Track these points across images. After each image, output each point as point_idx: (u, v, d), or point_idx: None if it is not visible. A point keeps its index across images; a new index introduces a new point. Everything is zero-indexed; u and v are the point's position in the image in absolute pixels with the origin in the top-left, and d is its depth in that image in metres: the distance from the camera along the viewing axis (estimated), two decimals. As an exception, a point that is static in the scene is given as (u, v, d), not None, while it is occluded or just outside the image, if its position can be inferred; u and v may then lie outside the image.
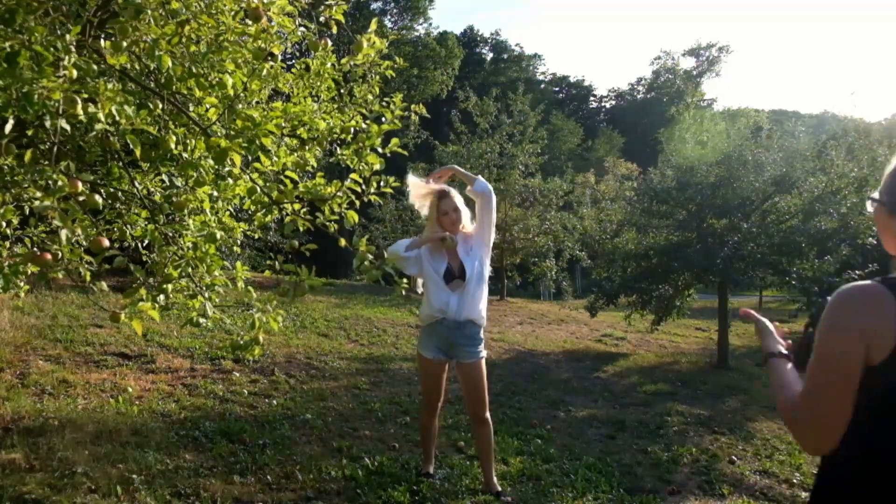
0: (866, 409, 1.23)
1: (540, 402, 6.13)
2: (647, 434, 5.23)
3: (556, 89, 50.66)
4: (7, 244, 2.86)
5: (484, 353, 3.54)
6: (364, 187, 2.62)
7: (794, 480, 4.34)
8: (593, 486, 3.84)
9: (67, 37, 1.95)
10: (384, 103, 2.86)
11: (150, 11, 2.16)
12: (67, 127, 2.03)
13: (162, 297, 2.74)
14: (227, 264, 3.09)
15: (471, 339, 3.48)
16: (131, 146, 2.15)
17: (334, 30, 2.71)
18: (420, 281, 3.60)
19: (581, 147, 39.95)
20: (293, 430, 4.39)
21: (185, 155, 2.52)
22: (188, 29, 2.31)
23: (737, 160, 8.90)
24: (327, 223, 2.65)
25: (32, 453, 3.49)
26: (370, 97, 2.88)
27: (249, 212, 3.04)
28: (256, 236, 3.63)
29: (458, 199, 3.62)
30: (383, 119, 2.81)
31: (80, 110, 1.91)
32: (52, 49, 1.91)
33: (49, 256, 2.17)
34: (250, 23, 2.40)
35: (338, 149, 2.87)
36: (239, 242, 3.42)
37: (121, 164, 2.69)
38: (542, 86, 47.53)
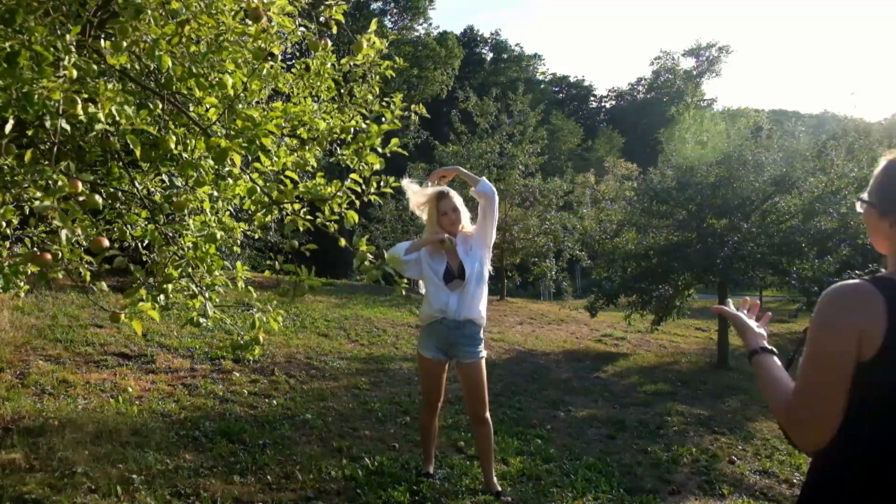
0: (858, 406, 1.25)
1: (540, 402, 6.13)
2: (647, 434, 5.23)
3: (556, 89, 50.63)
4: (7, 244, 2.86)
5: (484, 353, 3.54)
6: (364, 187, 2.62)
7: (794, 480, 4.34)
8: (593, 486, 3.84)
9: (67, 37, 1.95)
10: (384, 103, 2.86)
11: (150, 11, 2.16)
12: (67, 127, 2.03)
13: (162, 297, 2.74)
14: (227, 264, 3.09)
15: (470, 338, 3.48)
16: (131, 146, 2.15)
17: (334, 30, 2.71)
18: (422, 281, 3.61)
19: (581, 147, 39.93)
20: (293, 430, 4.39)
21: (185, 155, 2.52)
22: (188, 29, 2.31)
23: (737, 160, 8.90)
24: (327, 223, 2.65)
25: (32, 453, 3.49)
26: (370, 97, 2.88)
27: (249, 212, 3.03)
28: (256, 236, 3.64)
29: (458, 200, 3.62)
30: (383, 119, 2.81)
31: (80, 110, 1.91)
32: (52, 49, 1.91)
33: (49, 256, 2.17)
34: (250, 23, 2.40)
35: (338, 149, 2.87)
36: (239, 242, 3.42)
37: (121, 164, 2.69)
38: (542, 86, 47.49)
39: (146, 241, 2.92)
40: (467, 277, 3.47)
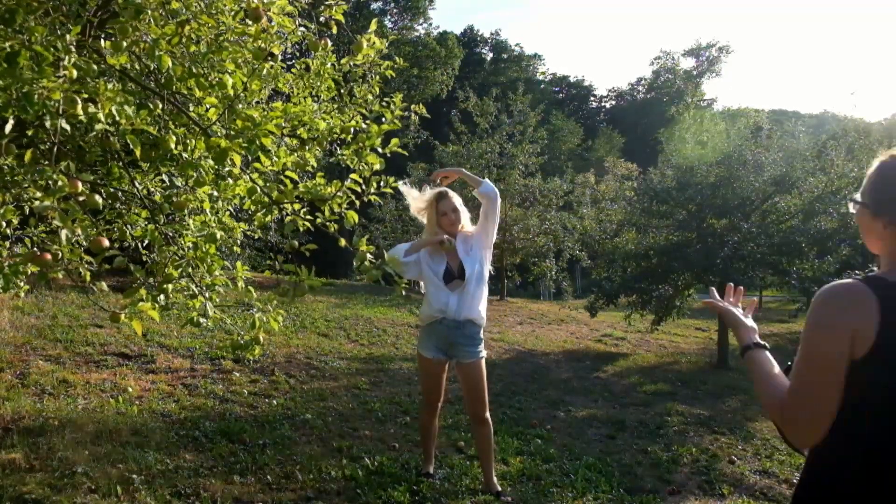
0: (857, 405, 1.26)
1: (540, 402, 6.13)
2: (647, 434, 5.23)
3: (556, 89, 50.62)
4: (7, 244, 2.86)
5: (484, 353, 3.54)
6: (364, 187, 2.62)
7: (794, 480, 4.33)
8: (593, 486, 3.84)
9: (67, 37, 1.95)
10: (384, 103, 2.86)
11: (150, 11, 2.16)
12: (67, 127, 2.03)
13: (162, 297, 2.73)
14: (227, 264, 3.09)
15: (470, 338, 3.49)
16: (131, 146, 2.15)
17: (334, 30, 2.71)
18: (422, 281, 3.61)
19: (581, 147, 39.92)
20: (293, 430, 4.39)
21: (185, 155, 2.52)
22: (188, 29, 2.31)
23: (737, 160, 8.90)
24: (327, 223, 2.65)
25: (32, 453, 3.49)
26: (370, 97, 2.88)
27: (249, 212, 3.03)
28: (256, 236, 3.64)
29: (457, 200, 3.63)
30: (383, 119, 2.81)
31: (80, 110, 1.91)
32: (52, 49, 1.91)
33: (49, 256, 2.17)
34: (250, 23, 2.40)
35: (338, 149, 2.87)
36: (239, 242, 3.42)
37: (121, 164, 2.69)
38: (542, 86, 47.48)
39: (146, 241, 2.92)
40: (467, 278, 3.47)
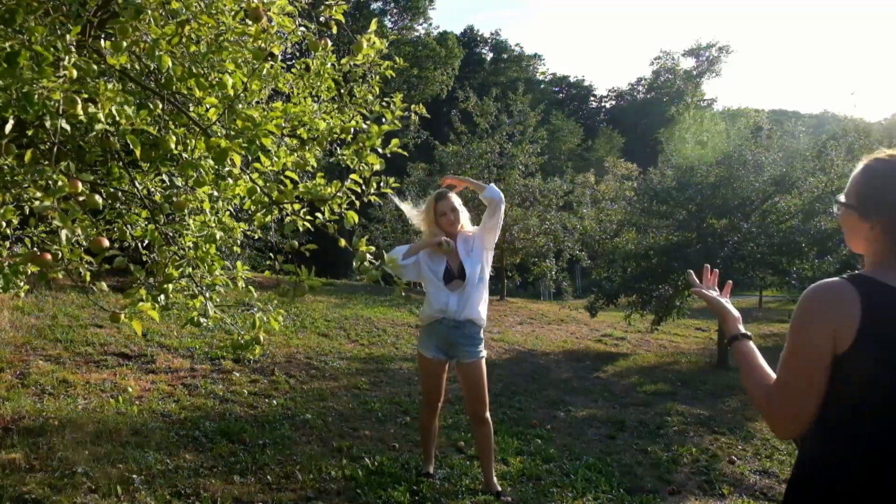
0: (853, 404, 1.30)
1: (540, 402, 6.13)
2: (647, 434, 5.23)
3: (556, 89, 50.61)
4: (7, 244, 2.85)
5: (484, 353, 3.54)
6: (364, 188, 2.62)
7: (794, 480, 4.33)
8: (593, 486, 3.84)
9: (67, 37, 1.95)
10: (384, 103, 2.86)
11: (150, 11, 2.16)
12: (67, 127, 2.03)
13: (162, 297, 2.73)
14: (227, 264, 3.09)
15: (470, 338, 3.49)
16: (131, 146, 2.15)
17: (334, 30, 2.71)
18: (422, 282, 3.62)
19: (581, 147, 39.91)
20: (293, 430, 4.39)
21: (185, 155, 2.52)
22: (188, 29, 2.31)
23: (737, 160, 8.90)
24: (327, 223, 2.65)
25: (32, 453, 3.49)
26: (370, 97, 2.88)
27: (249, 212, 3.03)
28: (256, 236, 3.63)
29: (456, 200, 3.63)
30: (384, 120, 2.81)
31: (80, 110, 1.91)
32: (52, 49, 1.91)
33: (49, 256, 2.17)
34: (250, 23, 2.40)
35: (338, 149, 2.87)
36: (239, 242, 3.42)
37: (121, 164, 2.69)
38: (542, 86, 47.48)
39: (146, 241, 2.92)
40: (468, 278, 3.47)
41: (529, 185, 15.76)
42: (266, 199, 2.65)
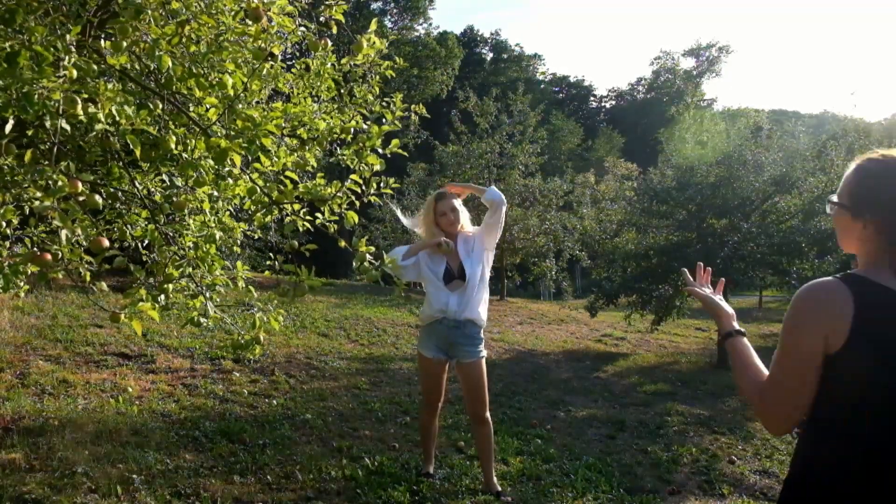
0: (853, 404, 1.31)
1: (540, 402, 6.13)
2: (647, 434, 5.23)
3: (556, 89, 50.61)
4: (7, 244, 2.85)
5: (484, 353, 3.54)
6: (364, 188, 2.62)
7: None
8: (593, 486, 3.84)
9: (67, 37, 1.95)
10: (384, 104, 2.86)
11: (150, 11, 2.16)
12: (67, 127, 2.03)
13: (162, 297, 2.73)
14: (227, 264, 3.09)
15: (470, 338, 3.49)
16: (131, 146, 2.15)
17: (334, 30, 2.71)
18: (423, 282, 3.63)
19: (581, 147, 39.91)
20: (293, 430, 4.39)
21: (185, 155, 2.52)
22: (188, 29, 2.31)
23: (737, 160, 8.90)
24: (327, 224, 2.65)
25: (32, 453, 3.49)
26: (370, 97, 2.88)
27: (249, 212, 3.03)
28: (256, 236, 3.63)
29: (456, 200, 3.63)
30: (384, 120, 2.81)
31: (80, 110, 1.91)
32: (52, 49, 1.91)
33: (49, 256, 2.17)
34: (250, 23, 2.40)
35: (338, 149, 2.87)
36: (239, 242, 3.42)
37: (121, 164, 2.69)
38: (542, 86, 47.48)
39: (146, 241, 2.92)
40: (468, 278, 3.47)
41: (529, 185, 15.76)
42: (266, 199, 2.65)
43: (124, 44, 2.14)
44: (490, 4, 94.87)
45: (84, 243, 2.28)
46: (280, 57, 2.66)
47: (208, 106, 2.51)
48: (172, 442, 3.92)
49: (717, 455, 4.76)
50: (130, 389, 4.87)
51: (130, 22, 2.10)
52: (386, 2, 34.97)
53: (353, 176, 2.62)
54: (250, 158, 2.70)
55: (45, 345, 5.85)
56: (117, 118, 2.06)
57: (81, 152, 2.59)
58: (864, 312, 1.28)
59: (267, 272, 3.03)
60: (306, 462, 3.79)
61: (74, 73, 1.93)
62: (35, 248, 2.50)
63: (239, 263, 3.06)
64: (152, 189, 2.86)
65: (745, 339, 1.55)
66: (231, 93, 2.41)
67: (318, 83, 2.92)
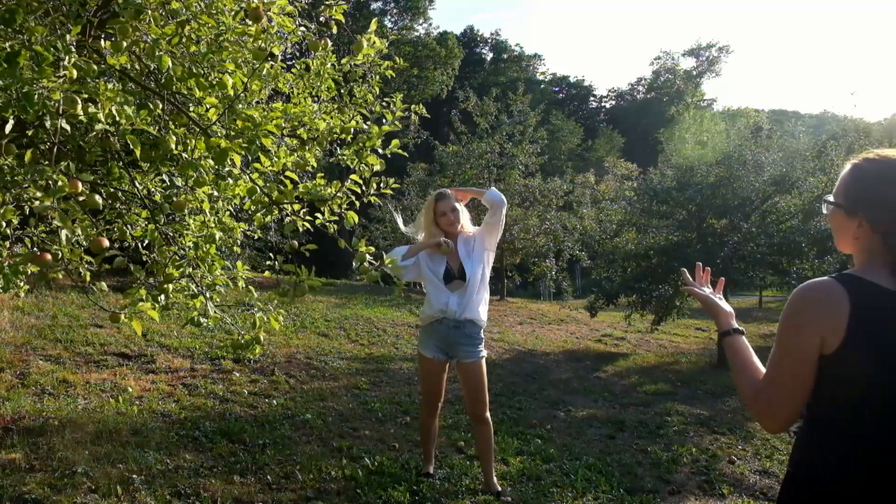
0: (852, 403, 1.31)
1: (540, 402, 6.13)
2: (647, 434, 5.23)
3: (556, 89, 50.61)
4: (7, 244, 2.85)
5: (484, 353, 3.54)
6: (364, 188, 2.62)
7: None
8: (593, 486, 3.84)
9: (67, 37, 1.95)
10: (385, 104, 2.86)
11: (150, 11, 2.16)
12: (67, 127, 2.03)
13: (162, 297, 2.73)
14: (227, 264, 3.09)
15: (471, 338, 3.49)
16: (131, 146, 2.15)
17: (334, 30, 2.71)
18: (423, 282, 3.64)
19: (581, 147, 39.91)
20: (293, 430, 4.39)
21: (185, 155, 2.52)
22: (188, 29, 2.31)
23: (737, 160, 8.90)
24: (327, 224, 2.65)
25: (32, 453, 3.49)
26: (370, 97, 2.88)
27: (249, 212, 3.03)
28: (256, 236, 3.63)
29: (457, 200, 3.64)
30: (384, 120, 2.81)
31: (80, 110, 1.91)
32: (52, 49, 1.91)
33: (49, 256, 2.17)
34: (250, 23, 2.40)
35: (338, 149, 2.87)
36: (239, 242, 3.42)
37: (121, 164, 2.69)
38: (542, 86, 47.48)
39: (146, 241, 2.92)
40: (468, 278, 3.47)
41: (529, 185, 15.76)
42: (266, 199, 2.65)
43: (124, 44, 2.14)
44: (490, 4, 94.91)
45: (84, 243, 2.29)
46: (280, 57, 2.66)
47: (208, 106, 2.51)
48: (172, 442, 3.92)
49: (717, 455, 4.76)
50: (130, 389, 4.87)
51: (130, 22, 2.10)
52: (386, 2, 34.99)
53: (353, 176, 2.62)
54: (250, 158, 2.70)
55: (45, 345, 5.85)
56: (117, 118, 2.06)
57: (81, 152, 2.59)
58: (860, 312, 1.28)
59: (267, 272, 3.03)
60: (306, 462, 3.79)
61: (74, 73, 1.94)
62: (35, 248, 2.50)
63: (239, 263, 3.06)
64: (152, 189, 2.86)
65: (744, 338, 1.55)
66: (231, 93, 2.41)
67: (318, 83, 2.92)
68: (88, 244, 2.21)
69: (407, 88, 29.19)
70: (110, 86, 2.07)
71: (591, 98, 53.40)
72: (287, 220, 2.61)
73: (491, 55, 45.79)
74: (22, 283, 2.87)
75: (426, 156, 18.57)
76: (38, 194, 1.97)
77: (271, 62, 2.58)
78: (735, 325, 1.60)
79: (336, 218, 2.66)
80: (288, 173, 2.75)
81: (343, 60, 2.84)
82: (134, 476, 3.32)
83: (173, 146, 2.35)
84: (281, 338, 7.42)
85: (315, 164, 2.90)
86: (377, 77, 2.91)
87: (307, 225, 2.70)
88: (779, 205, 8.88)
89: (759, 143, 9.64)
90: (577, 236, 14.78)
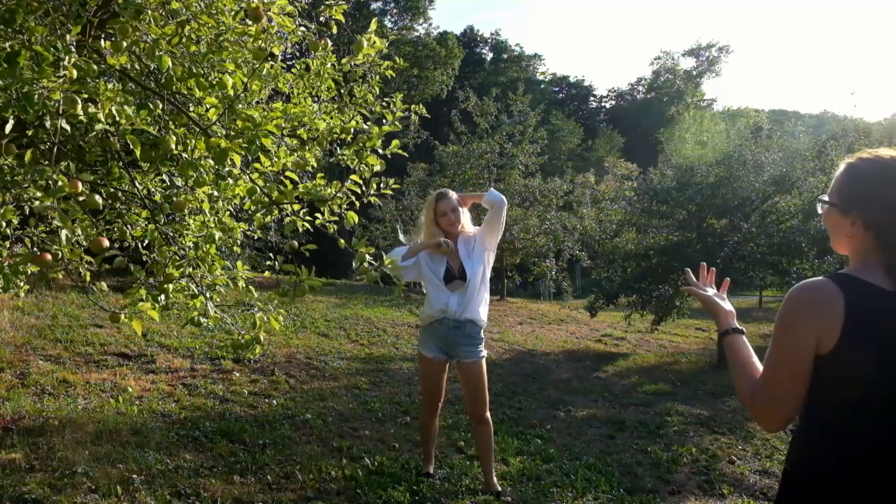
0: (852, 404, 1.31)
1: (540, 402, 6.13)
2: (647, 434, 5.23)
3: (556, 89, 50.60)
4: (7, 244, 2.85)
5: (484, 353, 3.54)
6: (364, 188, 2.62)
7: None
8: (593, 486, 3.84)
9: (67, 37, 1.95)
10: (384, 104, 2.86)
11: (150, 11, 2.16)
12: (67, 127, 2.03)
13: (162, 297, 2.73)
14: (227, 264, 3.09)
15: (471, 338, 3.49)
16: (131, 146, 2.15)
17: (334, 30, 2.71)
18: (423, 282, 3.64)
19: (581, 147, 39.90)
20: (293, 430, 4.39)
21: (185, 155, 2.52)
22: (188, 29, 2.31)
23: (737, 160, 8.90)
24: (327, 224, 2.65)
25: (32, 453, 3.49)
26: (370, 97, 2.88)
27: (249, 212, 3.03)
28: (256, 236, 3.63)
29: (457, 200, 3.64)
30: (384, 120, 2.81)
31: (80, 110, 1.91)
32: (52, 49, 1.91)
33: (49, 256, 2.17)
34: (250, 23, 2.40)
35: (338, 149, 2.87)
36: (239, 242, 3.42)
37: (121, 164, 2.69)
38: (542, 86, 47.48)
39: (146, 241, 2.92)
40: (469, 278, 3.48)
41: (529, 185, 15.76)
42: (266, 199, 2.65)
43: (124, 44, 2.14)
44: (490, 4, 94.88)
45: (84, 243, 2.29)
46: (280, 57, 2.66)
47: (208, 106, 2.51)
48: (172, 442, 3.92)
49: (717, 455, 4.76)
50: (130, 389, 4.88)
51: (130, 22, 2.10)
52: (386, 2, 35.00)
53: (353, 176, 2.62)
54: (250, 158, 2.70)
55: (45, 345, 5.85)
56: (117, 118, 2.06)
57: (81, 152, 2.59)
58: (856, 312, 1.28)
59: (267, 272, 3.03)
60: (306, 462, 3.79)
61: (74, 73, 1.94)
62: (35, 248, 2.50)
63: (239, 263, 3.06)
64: (152, 189, 2.86)
65: (744, 338, 1.55)
66: (231, 93, 2.41)
67: (318, 83, 2.92)
68: (88, 244, 2.21)
69: (407, 88, 29.19)
70: (110, 86, 2.07)
71: (591, 98, 53.42)
72: (287, 220, 2.61)
73: (491, 55, 45.80)
74: (22, 283, 2.87)
75: (426, 156, 18.57)
76: (38, 194, 1.97)
77: (271, 62, 2.58)
78: (735, 324, 1.59)
79: (336, 218, 2.66)
80: (288, 173, 2.75)
81: (343, 60, 2.84)
82: (134, 476, 3.32)
83: (173, 146, 2.35)
84: (281, 338, 7.42)
85: (315, 165, 2.90)
86: (377, 77, 2.91)
87: (307, 225, 2.70)
88: (779, 205, 8.88)
89: (759, 143, 9.64)
90: (577, 236, 14.78)
